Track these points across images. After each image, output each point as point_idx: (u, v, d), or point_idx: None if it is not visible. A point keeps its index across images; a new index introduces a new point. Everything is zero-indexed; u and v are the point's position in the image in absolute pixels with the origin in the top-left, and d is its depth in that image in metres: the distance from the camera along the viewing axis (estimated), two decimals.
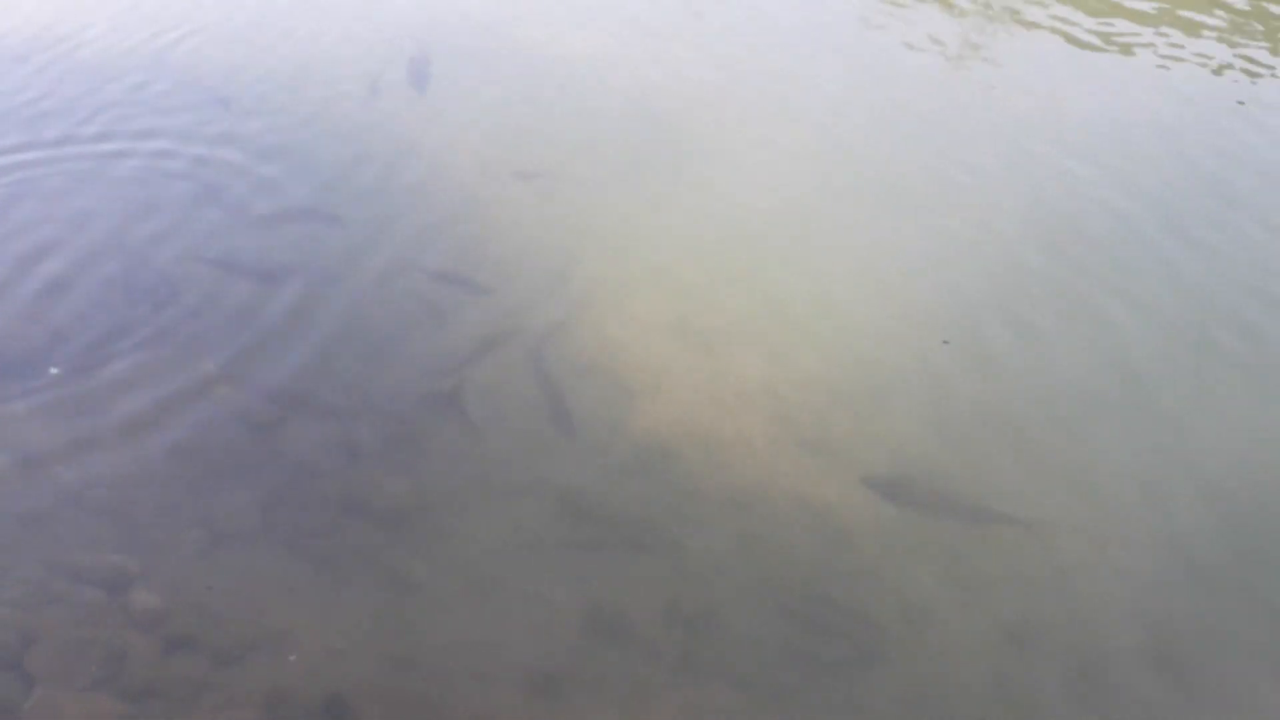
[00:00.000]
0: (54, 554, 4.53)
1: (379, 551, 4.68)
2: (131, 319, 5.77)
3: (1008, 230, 7.08)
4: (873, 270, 6.64)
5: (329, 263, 6.38)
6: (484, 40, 9.21)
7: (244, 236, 6.55)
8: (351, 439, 5.18)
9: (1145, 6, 10.60)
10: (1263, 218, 7.41)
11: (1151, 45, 9.83)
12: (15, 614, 4.28)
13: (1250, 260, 6.97)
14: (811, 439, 5.41)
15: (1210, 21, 10.42)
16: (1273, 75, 9.54)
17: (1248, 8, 10.80)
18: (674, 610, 4.53)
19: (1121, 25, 10.21)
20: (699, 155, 7.74)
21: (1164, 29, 10.18)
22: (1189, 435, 5.56)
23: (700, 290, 6.39)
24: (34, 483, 4.83)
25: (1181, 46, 9.94)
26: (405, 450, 5.17)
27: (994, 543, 4.94)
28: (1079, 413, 5.66)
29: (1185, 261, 6.86)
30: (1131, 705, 4.30)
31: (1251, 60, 9.73)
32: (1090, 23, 10.16)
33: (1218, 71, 9.52)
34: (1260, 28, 10.40)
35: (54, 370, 5.33)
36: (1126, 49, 9.76)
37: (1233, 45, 9.97)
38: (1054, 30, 10.08)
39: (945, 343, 5.99)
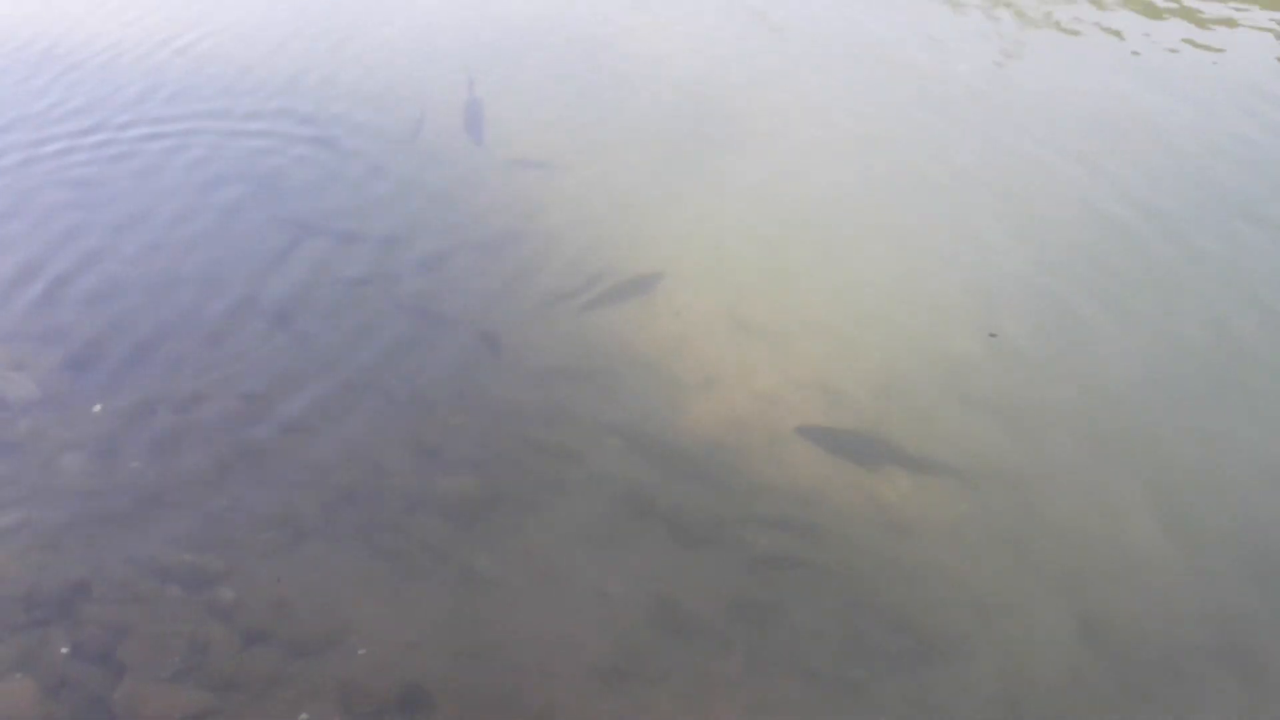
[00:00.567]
0: (139, 551, 4.69)
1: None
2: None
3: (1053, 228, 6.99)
4: (927, 264, 6.60)
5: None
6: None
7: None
8: (423, 441, 5.30)
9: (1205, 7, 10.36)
10: None
11: (1205, 47, 9.63)
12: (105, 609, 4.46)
13: None
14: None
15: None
16: None
17: None
18: (739, 605, 4.56)
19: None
20: (751, 151, 7.76)
21: (1216, 29, 9.98)
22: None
23: (753, 284, 6.42)
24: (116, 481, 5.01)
25: (1222, 50, 9.75)
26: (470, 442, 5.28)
27: (1063, 536, 4.89)
28: (1152, 406, 5.56)
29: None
30: (1203, 701, 4.25)
31: None
32: (1145, 26, 9.99)
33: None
34: None
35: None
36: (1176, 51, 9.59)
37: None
38: (1110, 32, 9.92)
39: (992, 335, 5.95)
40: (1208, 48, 9.48)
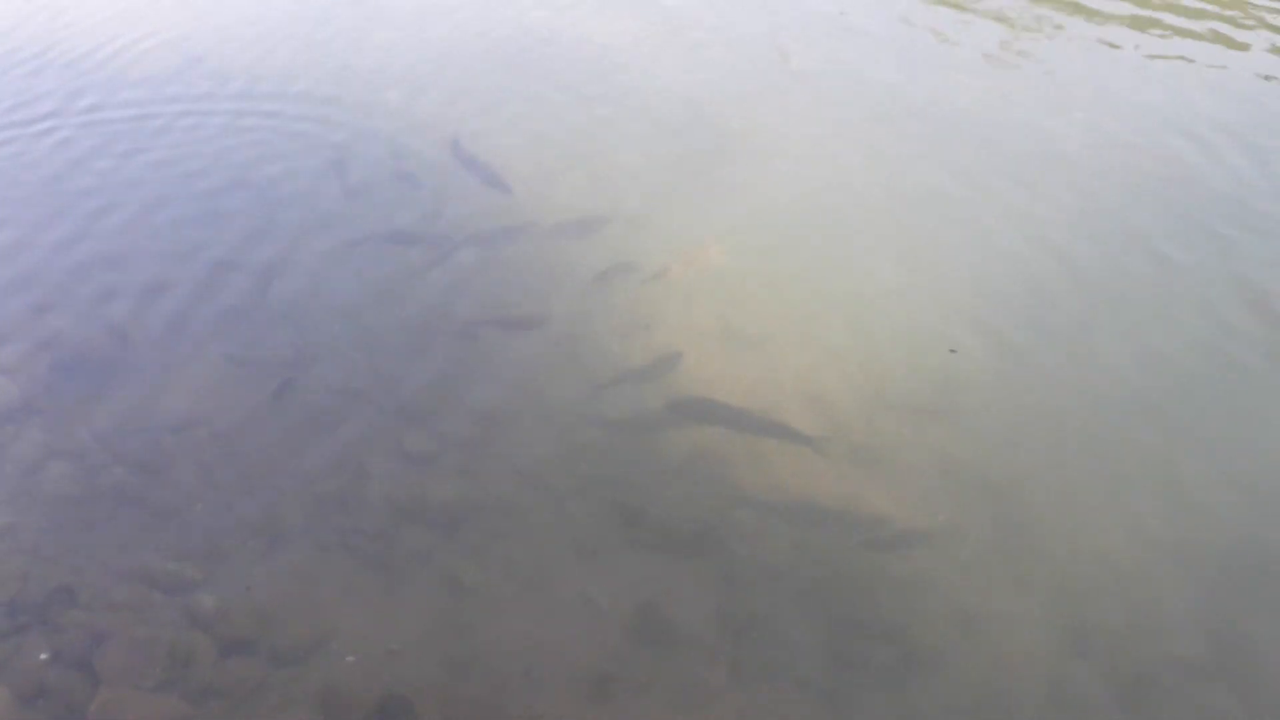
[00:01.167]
0: (118, 558, 4.66)
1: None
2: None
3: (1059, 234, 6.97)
4: (923, 274, 6.58)
5: None
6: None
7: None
8: (403, 448, 5.29)
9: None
10: None
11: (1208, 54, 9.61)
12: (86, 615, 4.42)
13: None
14: (860, 443, 5.38)
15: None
16: None
17: None
18: (725, 614, 4.54)
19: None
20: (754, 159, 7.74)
21: (1212, 25, 9.96)
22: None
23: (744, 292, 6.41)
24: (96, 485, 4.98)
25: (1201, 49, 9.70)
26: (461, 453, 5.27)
27: (1049, 547, 4.87)
28: (1142, 416, 5.53)
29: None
30: (1190, 715, 4.23)
31: None
32: (1154, 30, 9.96)
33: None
34: None
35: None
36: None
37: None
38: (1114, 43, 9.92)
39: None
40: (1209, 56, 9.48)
